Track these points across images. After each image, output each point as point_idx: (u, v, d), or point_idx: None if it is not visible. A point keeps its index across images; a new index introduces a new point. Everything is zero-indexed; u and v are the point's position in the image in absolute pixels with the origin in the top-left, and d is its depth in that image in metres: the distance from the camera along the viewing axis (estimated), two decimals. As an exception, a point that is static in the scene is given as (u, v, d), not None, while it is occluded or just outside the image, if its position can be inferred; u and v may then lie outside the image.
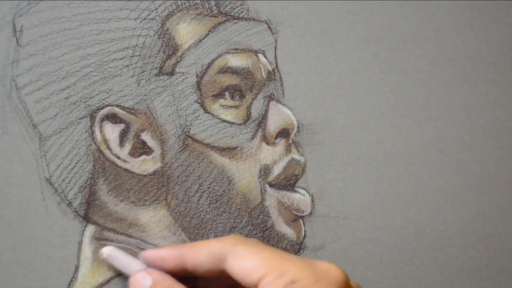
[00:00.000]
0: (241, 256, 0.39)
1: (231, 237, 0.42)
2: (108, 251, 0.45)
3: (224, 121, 0.49)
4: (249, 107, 0.50)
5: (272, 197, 0.49)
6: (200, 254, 0.41)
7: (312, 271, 0.36)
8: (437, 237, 0.54)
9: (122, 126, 0.47)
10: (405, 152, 0.54)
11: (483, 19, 0.57)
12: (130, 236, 0.47)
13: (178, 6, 0.49)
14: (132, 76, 0.48)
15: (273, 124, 0.50)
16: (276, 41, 0.52)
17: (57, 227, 0.46)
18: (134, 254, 0.46)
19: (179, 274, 0.43)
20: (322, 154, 0.52)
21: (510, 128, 0.57)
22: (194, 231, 0.48)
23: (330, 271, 0.37)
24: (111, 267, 0.45)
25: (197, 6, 0.50)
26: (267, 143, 0.50)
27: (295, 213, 0.50)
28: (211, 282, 0.44)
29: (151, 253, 0.43)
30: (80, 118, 0.47)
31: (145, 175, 0.47)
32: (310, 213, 0.51)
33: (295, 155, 0.51)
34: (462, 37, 0.56)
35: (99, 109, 0.47)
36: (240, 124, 0.49)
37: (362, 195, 0.53)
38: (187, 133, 0.48)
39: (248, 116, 0.50)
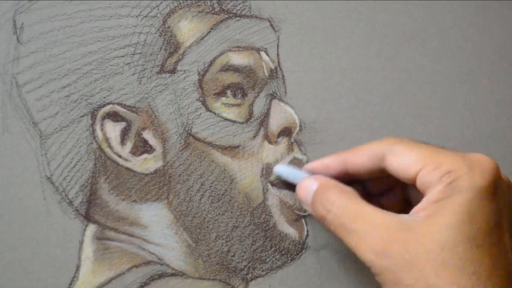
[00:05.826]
0: (399, 153, 0.41)
1: (389, 138, 0.43)
2: (278, 168, 0.49)
3: (226, 119, 0.49)
4: (251, 106, 0.49)
5: (274, 196, 0.49)
6: (361, 156, 0.43)
7: (466, 161, 0.38)
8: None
9: (124, 124, 0.47)
10: (408, 151, 0.54)
11: (487, 17, 0.57)
12: (132, 235, 0.47)
13: (180, 4, 0.49)
14: (134, 74, 0.47)
15: (275, 123, 0.50)
16: (278, 39, 0.52)
17: (58, 226, 0.46)
18: (136, 255, 0.46)
19: (342, 179, 0.45)
20: (325, 153, 0.52)
21: (514, 127, 0.57)
22: (196, 231, 0.47)
23: (482, 160, 0.39)
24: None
25: (199, 4, 0.50)
26: (269, 142, 0.50)
27: (297, 212, 0.50)
28: (371, 185, 0.46)
29: (315, 163, 0.46)
30: (81, 116, 0.47)
31: (147, 174, 0.47)
32: (312, 213, 0.51)
33: (297, 154, 0.51)
34: (466, 35, 0.56)
35: (100, 107, 0.47)
36: (242, 123, 0.49)
37: (365, 194, 0.52)
38: (189, 132, 0.48)
39: (250, 114, 0.49)
